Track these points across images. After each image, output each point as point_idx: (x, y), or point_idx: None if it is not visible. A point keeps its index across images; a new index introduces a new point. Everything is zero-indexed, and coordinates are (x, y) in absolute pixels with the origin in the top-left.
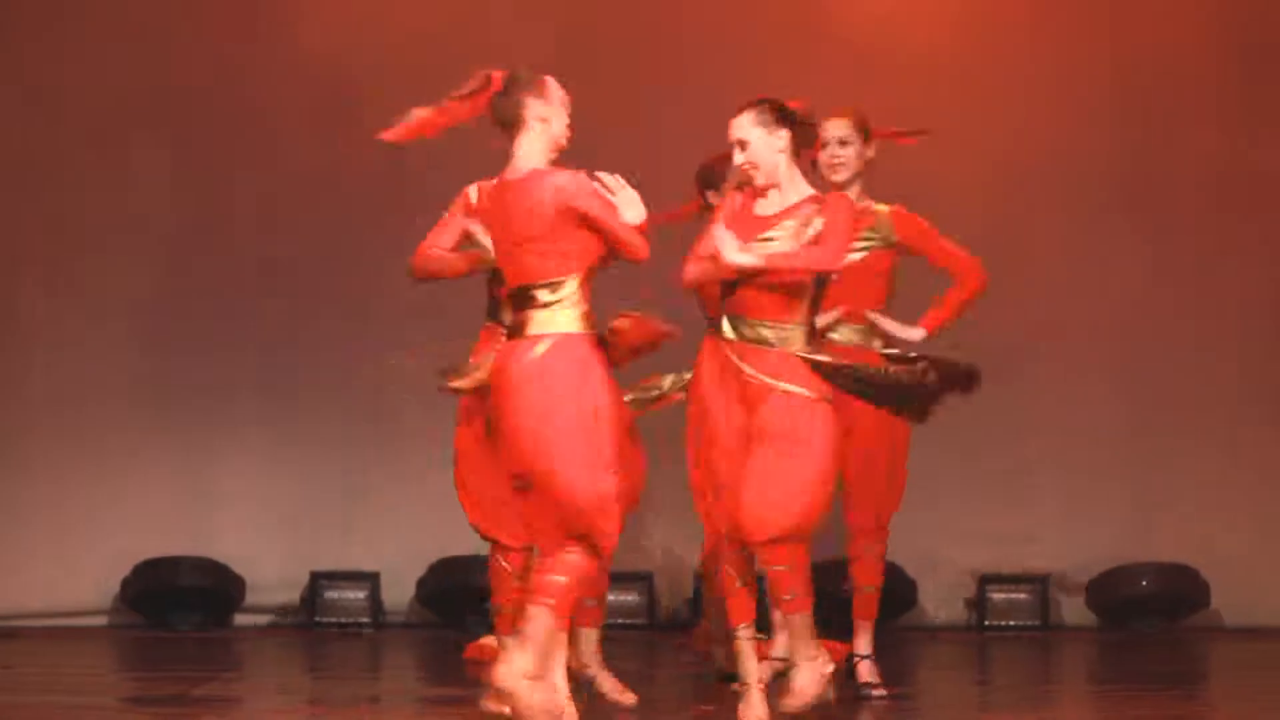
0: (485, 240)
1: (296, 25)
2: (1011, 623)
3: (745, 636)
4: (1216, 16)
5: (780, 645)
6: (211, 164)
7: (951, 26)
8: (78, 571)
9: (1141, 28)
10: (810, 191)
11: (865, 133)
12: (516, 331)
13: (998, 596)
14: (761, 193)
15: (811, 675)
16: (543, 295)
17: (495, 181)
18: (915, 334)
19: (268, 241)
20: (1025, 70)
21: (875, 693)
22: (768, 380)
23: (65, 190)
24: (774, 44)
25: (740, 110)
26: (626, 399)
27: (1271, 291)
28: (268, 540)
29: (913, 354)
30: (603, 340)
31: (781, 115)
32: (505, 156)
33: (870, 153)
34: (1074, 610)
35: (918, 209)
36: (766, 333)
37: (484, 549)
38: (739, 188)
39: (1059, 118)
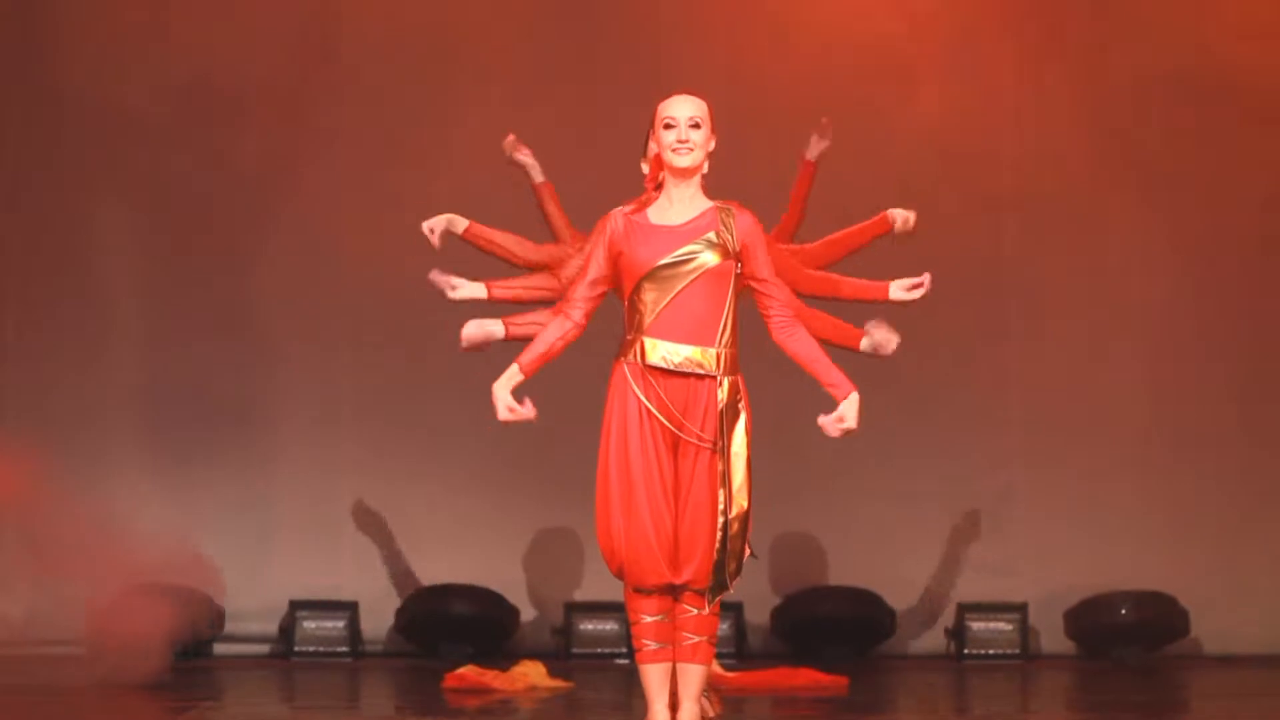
0: None
1: None
2: (991, 652)
3: None
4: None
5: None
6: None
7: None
8: (59, 599)
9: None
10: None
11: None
12: None
13: (977, 625)
14: (651, 202)
15: None
16: None
17: None
18: None
19: (238, 273)
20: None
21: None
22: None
23: (69, 194)
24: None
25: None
26: None
27: (1246, 323)
28: (246, 569)
29: None
30: None
31: None
32: None
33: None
34: (1053, 639)
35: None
36: None
37: (459, 578)
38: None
39: (1031, 131)
